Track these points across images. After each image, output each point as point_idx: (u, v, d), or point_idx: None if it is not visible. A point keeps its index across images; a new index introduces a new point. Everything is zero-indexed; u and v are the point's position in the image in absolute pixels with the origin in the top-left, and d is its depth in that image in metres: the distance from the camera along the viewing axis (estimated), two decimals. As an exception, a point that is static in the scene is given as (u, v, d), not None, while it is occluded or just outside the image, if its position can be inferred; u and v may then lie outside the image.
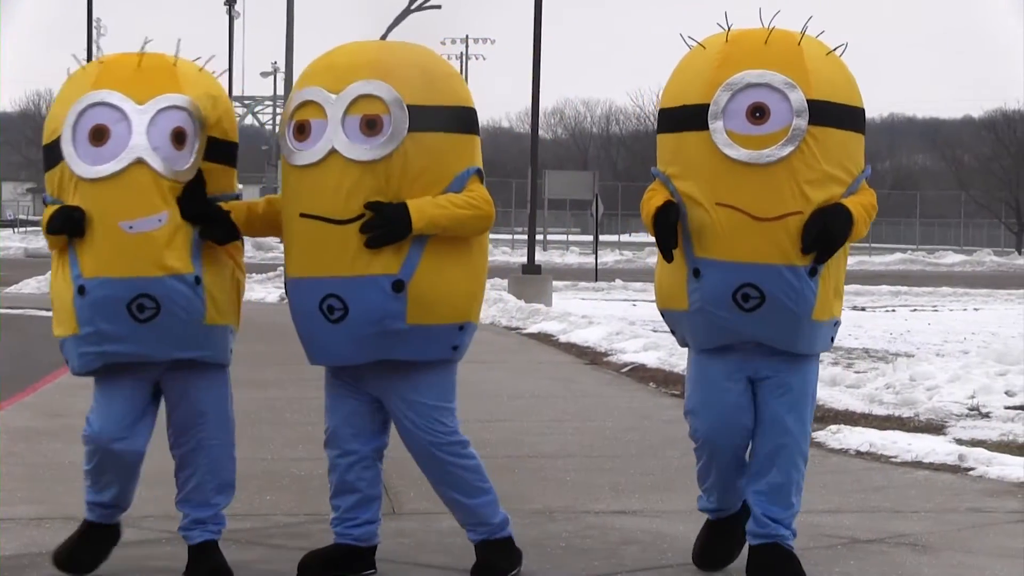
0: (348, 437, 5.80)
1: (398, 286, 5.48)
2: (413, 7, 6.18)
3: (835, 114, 5.61)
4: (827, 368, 12.67)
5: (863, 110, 5.80)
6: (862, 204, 5.68)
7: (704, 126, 5.61)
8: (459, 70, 6.66)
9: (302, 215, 5.59)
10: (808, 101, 5.55)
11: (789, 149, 5.54)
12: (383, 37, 5.88)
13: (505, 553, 5.82)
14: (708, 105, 5.60)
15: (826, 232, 5.54)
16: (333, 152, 5.52)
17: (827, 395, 11.60)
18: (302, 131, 5.58)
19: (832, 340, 5.87)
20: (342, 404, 5.81)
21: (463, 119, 5.65)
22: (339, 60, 5.66)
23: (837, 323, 5.86)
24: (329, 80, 5.58)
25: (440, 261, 5.54)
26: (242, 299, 6.00)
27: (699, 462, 6.11)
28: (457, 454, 5.71)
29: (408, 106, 5.49)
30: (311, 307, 5.61)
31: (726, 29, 5.72)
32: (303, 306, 5.67)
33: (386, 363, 5.64)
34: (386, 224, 5.44)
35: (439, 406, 5.69)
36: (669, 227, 5.62)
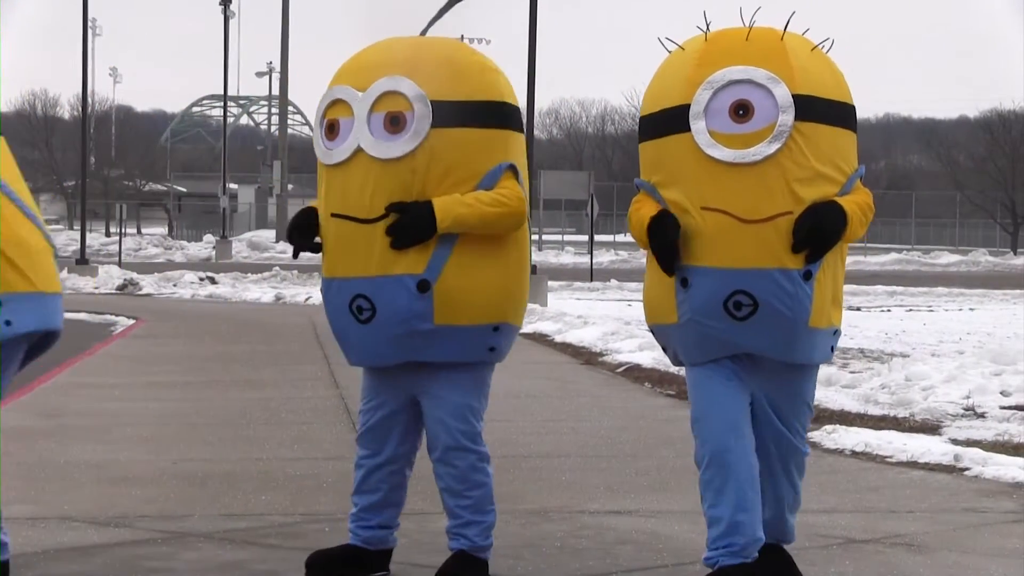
0: (376, 439, 5.74)
1: (423, 286, 5.41)
2: (457, 1, 6.17)
3: (823, 110, 5.39)
4: (822, 369, 12.64)
5: (853, 107, 5.57)
6: (857, 203, 5.42)
7: (686, 128, 5.40)
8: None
9: (332, 215, 5.55)
10: (794, 96, 5.32)
11: (776, 146, 5.30)
12: (423, 33, 5.81)
13: (475, 571, 5.68)
14: (689, 106, 5.40)
15: (818, 228, 5.29)
16: (359, 150, 5.48)
17: (822, 395, 11.60)
18: (332, 130, 5.55)
19: (832, 350, 5.64)
20: (378, 406, 5.74)
21: (495, 113, 5.54)
22: (369, 58, 5.62)
23: (837, 332, 5.60)
24: (356, 78, 5.55)
25: (470, 260, 5.45)
26: (30, 255, 5.13)
27: (708, 489, 5.58)
28: (473, 466, 5.63)
29: (434, 101, 5.43)
30: (343, 308, 5.54)
31: (705, 30, 5.54)
32: (336, 307, 5.58)
33: (421, 362, 5.58)
34: (410, 224, 5.38)
35: (465, 404, 5.60)
36: (667, 240, 5.40)
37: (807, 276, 5.35)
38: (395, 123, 5.45)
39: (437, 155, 5.44)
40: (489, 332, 5.55)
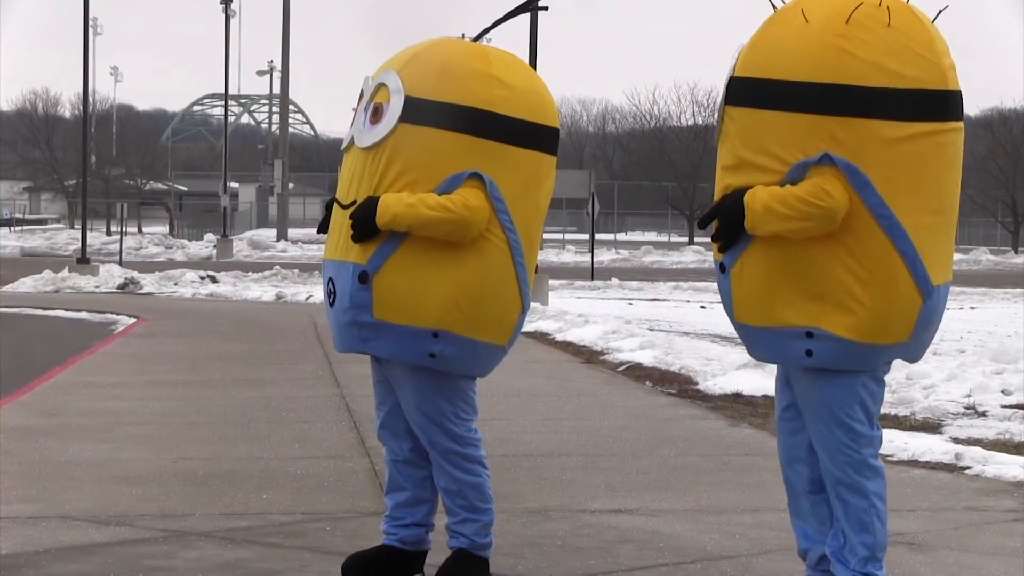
0: (388, 436, 5.78)
1: (362, 277, 5.43)
2: (521, 9, 6.03)
3: (761, 92, 4.96)
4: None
5: (827, 87, 4.87)
6: (774, 194, 4.90)
7: None
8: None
9: (335, 198, 5.69)
10: (733, 79, 5.04)
11: (716, 132, 5.18)
12: (476, 38, 5.76)
13: (475, 569, 5.70)
14: None
15: (719, 219, 5.05)
16: (352, 138, 5.60)
17: (823, 394, 11.58)
18: (354, 117, 5.68)
19: (809, 354, 5.01)
20: (381, 402, 5.78)
21: (472, 120, 5.42)
22: (396, 53, 5.68)
23: (814, 334, 4.99)
24: (378, 70, 5.64)
25: (414, 260, 5.41)
26: None
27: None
28: (458, 466, 5.64)
29: (410, 97, 5.42)
30: (325, 289, 5.66)
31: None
32: (324, 287, 5.70)
33: (386, 361, 5.59)
34: (357, 219, 5.43)
35: (434, 408, 5.60)
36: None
37: (722, 268, 5.15)
38: (375, 114, 5.50)
39: (399, 149, 5.42)
40: (427, 337, 5.45)
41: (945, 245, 5.14)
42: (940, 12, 5.14)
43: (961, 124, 5.10)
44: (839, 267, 4.95)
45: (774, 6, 5.12)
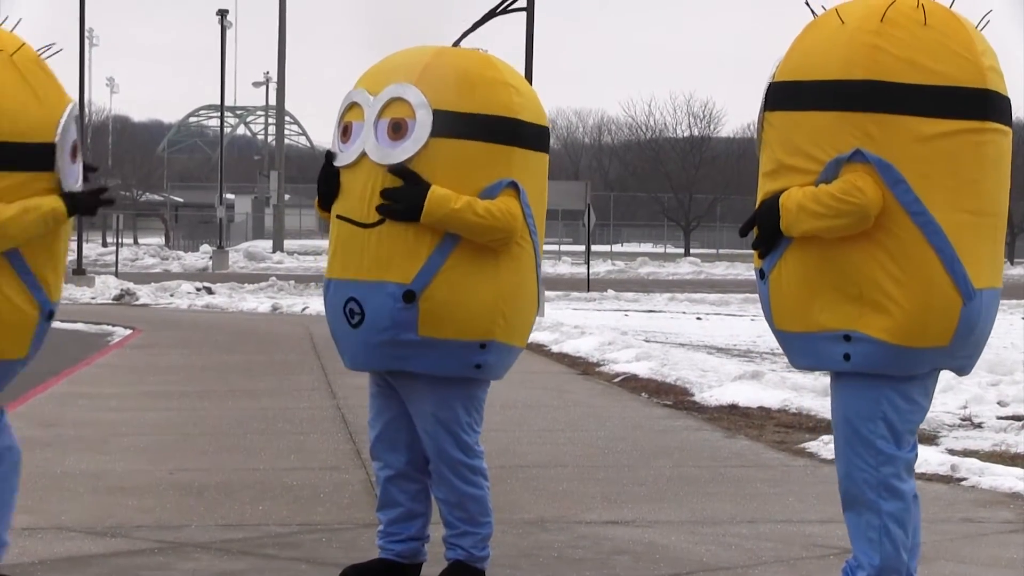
0: (385, 450, 5.73)
1: (409, 296, 5.37)
2: (498, 10, 6.05)
3: (796, 94, 4.94)
4: (819, 378, 12.67)
5: (857, 82, 4.82)
6: (808, 193, 4.86)
7: None
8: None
9: (337, 216, 5.58)
10: (771, 85, 5.03)
11: (756, 139, 5.16)
12: (455, 44, 5.77)
13: None
14: None
15: (758, 223, 5.03)
16: (363, 155, 5.48)
17: (819, 405, 11.60)
18: (346, 133, 5.57)
19: (847, 358, 4.93)
20: (378, 414, 5.74)
21: (500, 129, 5.45)
22: (388, 63, 5.62)
23: (852, 337, 4.90)
24: (372, 82, 5.56)
25: (461, 275, 5.39)
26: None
27: None
28: (463, 478, 5.63)
29: (437, 111, 5.39)
30: (338, 310, 5.54)
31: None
32: (332, 308, 5.58)
33: (408, 373, 5.56)
34: (400, 202, 5.36)
35: (452, 418, 5.58)
36: None
37: (761, 275, 5.11)
38: (397, 130, 5.42)
39: (435, 165, 5.38)
40: (475, 349, 5.47)
41: (989, 247, 5.02)
42: (986, 16, 5.10)
43: (1005, 127, 5.00)
44: (875, 267, 4.87)
45: (813, 12, 5.09)
